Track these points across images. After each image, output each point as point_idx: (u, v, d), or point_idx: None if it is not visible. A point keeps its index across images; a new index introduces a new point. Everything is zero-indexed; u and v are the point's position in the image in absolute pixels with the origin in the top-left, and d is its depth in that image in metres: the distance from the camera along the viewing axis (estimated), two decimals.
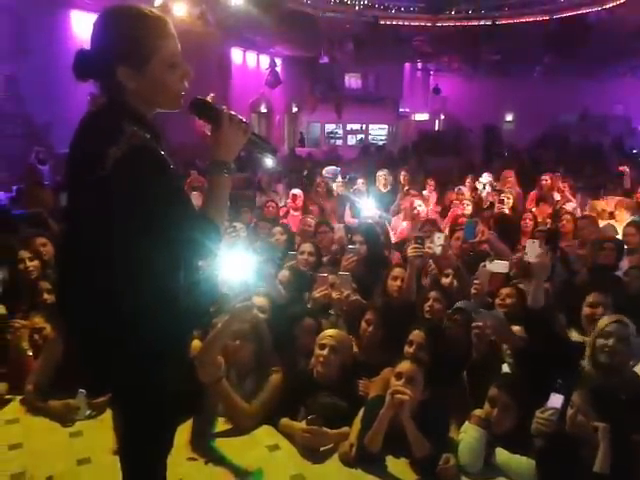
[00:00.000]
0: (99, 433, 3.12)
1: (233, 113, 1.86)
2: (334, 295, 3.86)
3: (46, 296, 4.08)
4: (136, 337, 1.73)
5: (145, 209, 1.65)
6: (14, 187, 8.90)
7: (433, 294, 3.88)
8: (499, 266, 4.12)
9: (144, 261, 1.71)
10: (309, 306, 3.94)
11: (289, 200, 7.43)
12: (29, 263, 4.44)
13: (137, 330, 1.73)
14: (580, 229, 5.82)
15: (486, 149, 18.26)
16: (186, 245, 1.74)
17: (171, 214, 1.68)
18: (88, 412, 3.34)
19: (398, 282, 4.16)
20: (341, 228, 4.30)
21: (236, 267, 3.82)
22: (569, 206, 7.50)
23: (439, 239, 4.33)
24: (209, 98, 1.88)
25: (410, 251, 4.00)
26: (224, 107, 1.86)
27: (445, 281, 4.16)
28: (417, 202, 6.64)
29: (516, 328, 3.32)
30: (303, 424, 3.07)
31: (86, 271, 1.75)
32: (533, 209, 7.28)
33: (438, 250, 4.24)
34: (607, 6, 14.82)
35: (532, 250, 4.16)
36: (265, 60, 18.22)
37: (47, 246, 4.70)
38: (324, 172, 9.77)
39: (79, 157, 1.77)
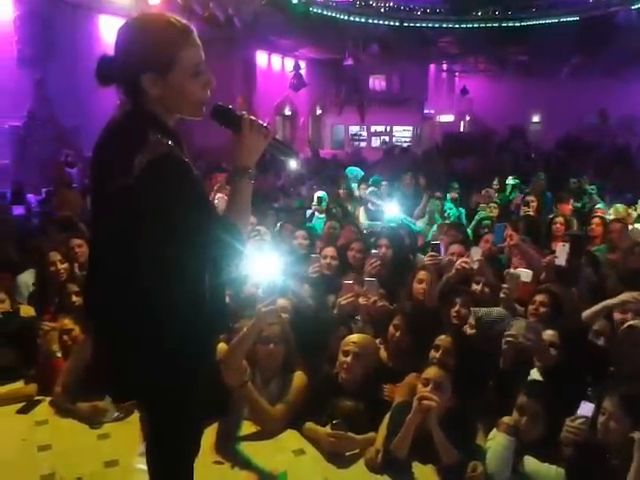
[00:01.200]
0: (127, 435, 3.14)
1: (253, 119, 1.87)
2: (361, 301, 3.84)
3: (74, 298, 4.13)
4: (163, 338, 1.75)
5: (170, 215, 1.67)
6: (43, 190, 9.04)
7: (459, 299, 3.83)
8: (522, 275, 4.07)
9: (170, 265, 1.72)
10: (335, 312, 3.90)
11: (314, 203, 7.43)
12: (60, 266, 4.50)
13: (164, 332, 1.75)
14: (610, 233, 5.72)
15: (513, 151, 18.07)
16: (210, 249, 1.75)
17: (195, 219, 1.69)
18: (116, 414, 3.36)
19: (424, 285, 4.13)
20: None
21: (264, 268, 3.84)
22: (600, 205, 7.44)
23: (476, 253, 4.30)
24: (237, 104, 1.89)
25: (427, 259, 4.05)
26: (244, 113, 1.88)
27: (476, 288, 4.11)
28: (448, 205, 6.59)
29: (549, 332, 3.27)
30: (328, 429, 3.06)
31: (113, 275, 1.77)
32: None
33: (475, 265, 4.21)
34: (635, 6, 14.61)
35: (563, 253, 4.12)
36: (290, 63, 18.28)
37: (83, 247, 4.74)
38: (346, 173, 9.76)
39: (104, 165, 1.78)
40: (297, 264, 4.52)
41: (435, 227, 6.43)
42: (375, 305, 3.83)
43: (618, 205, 7.27)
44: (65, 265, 4.54)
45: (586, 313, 3.65)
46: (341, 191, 8.17)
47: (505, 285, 3.86)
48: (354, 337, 3.38)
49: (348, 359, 3.26)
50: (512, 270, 4.11)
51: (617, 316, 3.60)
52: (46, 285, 4.53)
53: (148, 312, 1.74)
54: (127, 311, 1.76)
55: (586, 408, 2.74)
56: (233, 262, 1.86)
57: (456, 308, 3.80)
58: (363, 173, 9.95)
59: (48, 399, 3.55)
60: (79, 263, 4.64)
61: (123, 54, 1.76)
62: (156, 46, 1.74)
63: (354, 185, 8.86)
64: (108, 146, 1.79)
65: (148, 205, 1.65)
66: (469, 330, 3.69)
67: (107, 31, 11.29)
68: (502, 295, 3.85)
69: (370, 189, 7.91)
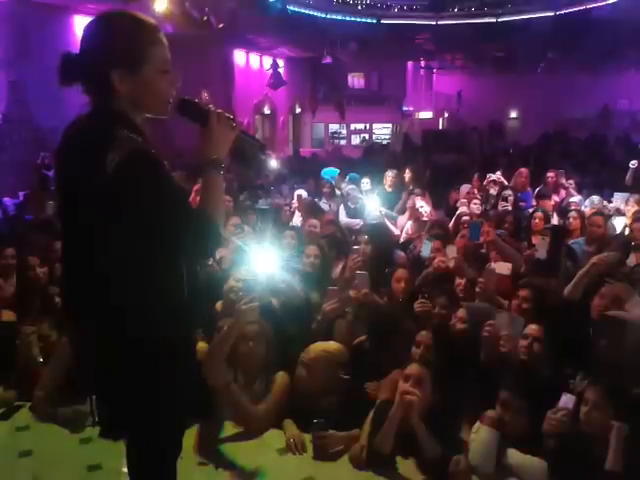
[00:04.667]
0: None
1: (220, 111, 1.89)
2: (350, 293, 3.82)
3: (56, 300, 4.07)
4: (144, 334, 1.75)
5: (146, 211, 1.67)
6: (21, 193, 8.92)
7: (439, 301, 3.82)
8: (501, 268, 4.10)
9: (149, 260, 1.73)
10: (319, 317, 3.84)
11: (294, 201, 7.42)
12: (39, 270, 4.44)
13: (145, 328, 1.75)
14: (590, 226, 5.76)
15: (492, 147, 18.18)
16: (187, 244, 1.75)
17: (172, 214, 1.70)
18: (96, 418, 3.32)
19: (402, 284, 4.15)
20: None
21: (247, 266, 3.84)
22: (575, 199, 7.49)
23: (451, 251, 4.32)
24: (203, 96, 1.90)
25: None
26: (210, 105, 1.90)
27: (459, 282, 4.13)
28: (419, 202, 6.60)
29: (533, 327, 3.29)
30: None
31: (90, 273, 1.76)
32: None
33: (451, 264, 4.22)
34: (610, 1, 14.78)
35: (543, 247, 4.17)
36: (268, 61, 18.22)
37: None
38: (322, 173, 9.73)
39: (74, 165, 1.76)
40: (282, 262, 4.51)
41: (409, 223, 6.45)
42: (366, 298, 3.82)
43: (594, 197, 7.34)
44: (44, 269, 4.48)
45: (567, 290, 3.71)
46: (325, 190, 8.15)
47: (481, 280, 3.87)
48: (313, 351, 3.35)
49: (303, 373, 3.27)
50: (493, 264, 4.15)
51: (596, 302, 3.64)
52: (26, 289, 4.46)
53: (128, 309, 1.74)
54: (107, 309, 1.74)
55: (567, 400, 2.77)
56: (211, 254, 1.87)
57: (435, 311, 3.80)
58: (339, 171, 9.93)
59: (28, 404, 3.49)
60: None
61: (92, 50, 1.76)
62: (127, 42, 1.75)
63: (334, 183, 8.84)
64: (75, 147, 1.77)
65: (125, 202, 1.65)
66: (459, 325, 3.63)
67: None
68: (477, 290, 3.87)
69: (350, 187, 7.90)
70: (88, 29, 1.78)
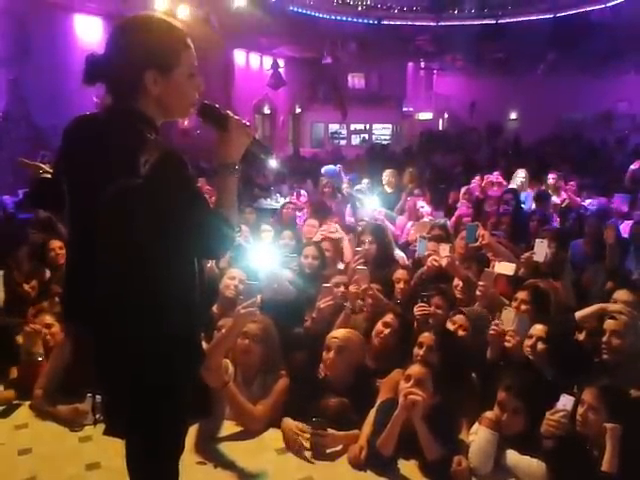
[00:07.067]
0: (108, 437, 3.11)
1: (237, 117, 1.94)
2: (351, 289, 3.81)
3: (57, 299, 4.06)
4: (156, 336, 1.76)
5: (176, 212, 1.68)
6: (20, 191, 8.90)
7: (435, 300, 3.83)
8: (505, 268, 4.09)
9: (166, 262, 1.74)
10: (314, 315, 3.83)
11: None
12: (26, 287, 4.41)
13: (162, 330, 1.76)
14: (587, 228, 5.78)
15: (492, 148, 18.20)
16: (205, 244, 1.78)
17: (197, 216, 1.72)
18: (97, 416, 3.32)
19: (401, 284, 4.16)
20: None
21: (262, 260, 3.90)
22: (587, 202, 7.54)
23: (444, 251, 4.32)
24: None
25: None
26: (229, 112, 1.94)
27: (457, 283, 4.13)
28: (420, 203, 6.61)
29: (538, 327, 3.30)
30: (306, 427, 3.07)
31: (100, 276, 1.75)
32: None
33: (444, 262, 4.22)
34: (610, 3, 14.80)
35: (541, 250, 4.16)
36: (268, 61, 18.22)
37: (64, 249, 4.65)
38: (323, 171, 9.71)
39: (95, 167, 1.72)
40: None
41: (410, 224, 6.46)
42: (366, 293, 3.82)
43: (603, 200, 7.37)
44: (32, 283, 4.46)
45: (580, 313, 3.63)
46: (326, 190, 8.14)
47: (481, 282, 3.86)
48: (337, 332, 3.37)
49: (331, 355, 3.25)
50: (497, 264, 4.14)
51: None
52: (14, 303, 4.42)
53: (144, 310, 1.75)
54: (119, 309, 1.75)
55: (566, 401, 2.78)
56: (224, 254, 1.89)
57: (431, 310, 3.80)
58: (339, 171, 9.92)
59: (28, 403, 3.49)
60: (59, 265, 4.56)
61: (125, 51, 1.78)
62: (163, 43, 1.79)
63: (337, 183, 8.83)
64: (95, 149, 1.75)
65: (158, 203, 1.66)
66: (461, 332, 3.56)
67: (83, 30, 11.15)
68: (478, 293, 3.86)
69: (356, 187, 7.92)
70: (120, 29, 1.81)
